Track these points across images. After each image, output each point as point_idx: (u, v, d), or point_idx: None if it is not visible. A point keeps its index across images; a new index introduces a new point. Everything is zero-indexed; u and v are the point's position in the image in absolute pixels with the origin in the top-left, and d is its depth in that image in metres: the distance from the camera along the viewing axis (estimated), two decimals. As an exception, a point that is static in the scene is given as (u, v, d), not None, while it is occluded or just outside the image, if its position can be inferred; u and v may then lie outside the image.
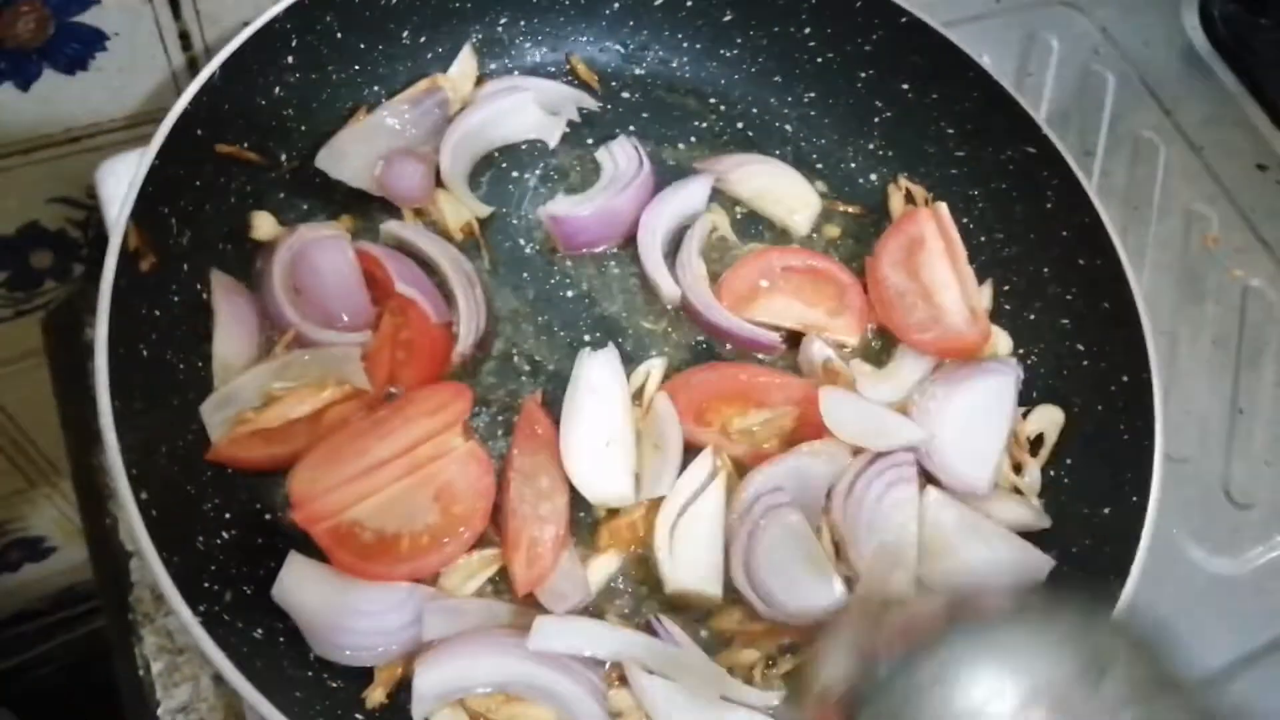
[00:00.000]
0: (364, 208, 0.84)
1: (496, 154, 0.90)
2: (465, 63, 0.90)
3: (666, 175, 0.90)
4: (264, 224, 0.80)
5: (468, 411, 0.73)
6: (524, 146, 0.91)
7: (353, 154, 0.83)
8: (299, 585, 0.66)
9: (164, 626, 0.81)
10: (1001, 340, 0.87)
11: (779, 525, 0.74)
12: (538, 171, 0.90)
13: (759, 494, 0.75)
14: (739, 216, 0.92)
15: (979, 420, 0.80)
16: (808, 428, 0.79)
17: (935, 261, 0.88)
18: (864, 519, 0.76)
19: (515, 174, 0.90)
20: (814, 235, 0.92)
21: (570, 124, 0.91)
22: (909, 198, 0.93)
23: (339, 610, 0.66)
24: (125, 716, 0.81)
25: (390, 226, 0.82)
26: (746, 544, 0.74)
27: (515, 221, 0.87)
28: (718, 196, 0.91)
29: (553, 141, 0.90)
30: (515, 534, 0.71)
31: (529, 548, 0.71)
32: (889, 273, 0.87)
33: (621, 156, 0.89)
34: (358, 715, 0.64)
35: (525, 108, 0.89)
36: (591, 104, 0.93)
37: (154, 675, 0.79)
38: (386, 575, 0.68)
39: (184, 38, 0.89)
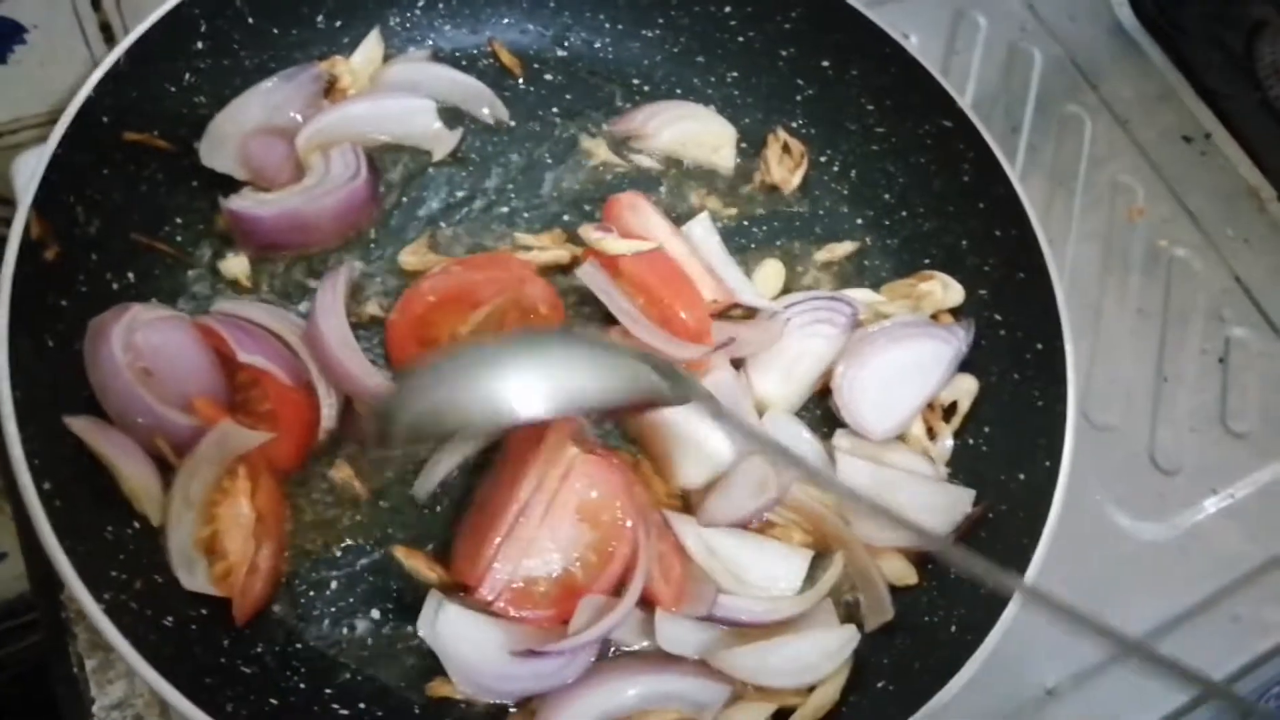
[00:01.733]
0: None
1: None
2: (371, 48, 0.88)
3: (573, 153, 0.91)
4: (236, 265, 0.79)
5: (574, 422, 0.72)
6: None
7: (227, 139, 0.80)
8: (453, 632, 0.67)
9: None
10: (953, 290, 0.86)
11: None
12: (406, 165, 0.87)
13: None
14: (671, 174, 0.93)
15: (904, 375, 0.81)
16: (521, 311, 0.79)
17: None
18: (774, 333, 0.82)
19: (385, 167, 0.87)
20: (740, 188, 0.93)
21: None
22: (785, 149, 0.93)
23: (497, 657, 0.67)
24: (62, 716, 0.80)
25: (221, 305, 0.77)
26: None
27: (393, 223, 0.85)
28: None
29: (438, 157, 0.87)
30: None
31: (661, 563, 0.71)
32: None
33: (337, 163, 0.81)
34: (272, 700, 0.64)
35: (423, 114, 0.86)
36: (503, 113, 0.90)
37: (88, 673, 0.78)
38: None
39: (105, 29, 0.88)
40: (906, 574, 0.75)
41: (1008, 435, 0.80)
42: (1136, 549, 0.91)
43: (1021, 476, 0.76)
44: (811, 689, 0.70)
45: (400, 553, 0.71)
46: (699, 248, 0.85)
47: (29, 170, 0.79)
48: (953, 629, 0.71)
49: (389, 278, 0.82)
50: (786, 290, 0.88)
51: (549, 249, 0.85)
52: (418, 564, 0.71)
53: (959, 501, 0.78)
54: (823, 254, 0.90)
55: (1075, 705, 0.83)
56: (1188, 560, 0.92)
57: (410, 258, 0.82)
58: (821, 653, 0.70)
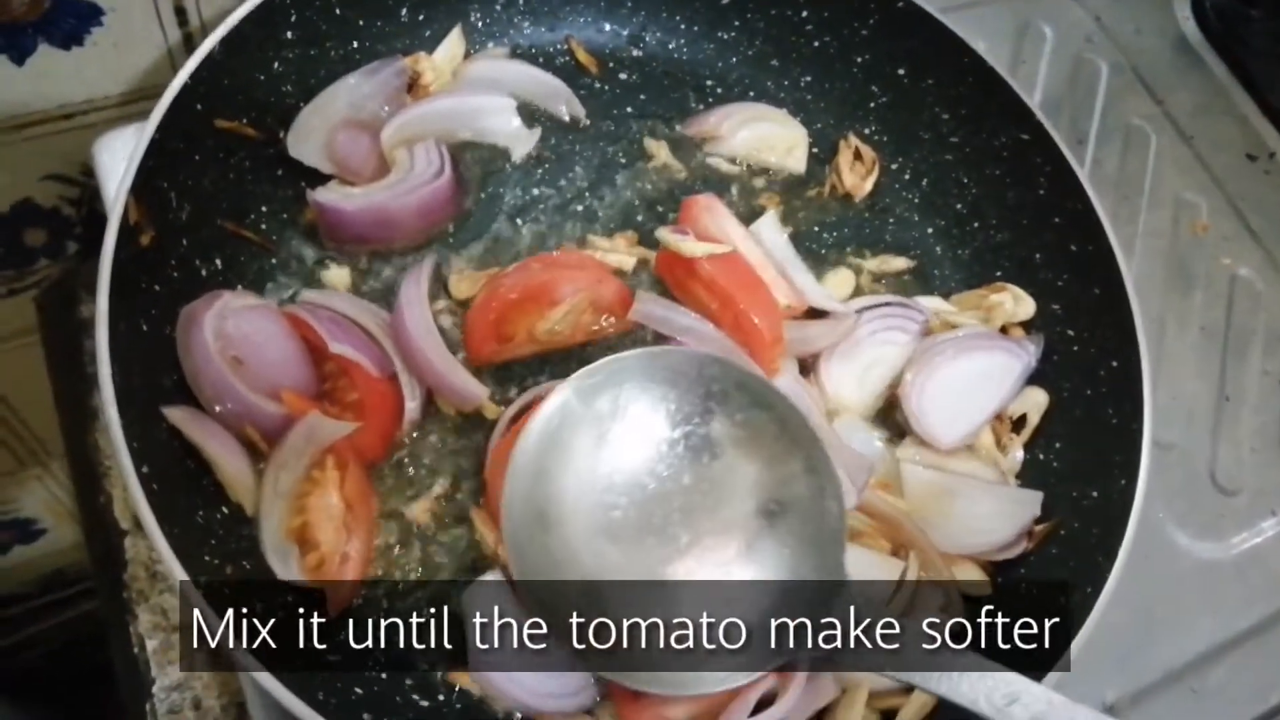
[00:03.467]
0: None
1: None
2: (452, 45, 0.89)
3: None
4: (337, 277, 0.80)
5: None
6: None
7: (313, 131, 0.81)
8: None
9: (159, 605, 0.81)
10: (1025, 303, 0.86)
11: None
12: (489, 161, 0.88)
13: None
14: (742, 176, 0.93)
15: (972, 386, 0.81)
16: (596, 311, 0.79)
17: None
18: (849, 339, 0.82)
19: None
20: (811, 193, 0.93)
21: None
22: (857, 155, 0.93)
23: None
24: (121, 694, 0.81)
25: (307, 295, 0.77)
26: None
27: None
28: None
29: (517, 156, 0.88)
30: None
31: None
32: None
33: (421, 160, 0.82)
34: (357, 689, 0.64)
35: (504, 113, 0.87)
36: (580, 111, 0.91)
37: (149, 653, 0.79)
38: None
39: (180, 14, 0.88)
40: (981, 584, 0.75)
41: (1080, 451, 0.80)
42: (1194, 568, 0.91)
43: (1094, 494, 0.76)
44: (910, 689, 0.69)
45: (476, 515, 0.72)
46: (768, 248, 0.85)
47: (117, 153, 0.81)
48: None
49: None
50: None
51: (617, 251, 0.85)
52: (488, 531, 0.72)
53: (1027, 504, 0.77)
54: (873, 264, 0.90)
55: (1134, 723, 0.83)
56: (1245, 581, 0.92)
57: (461, 285, 0.82)
58: None
